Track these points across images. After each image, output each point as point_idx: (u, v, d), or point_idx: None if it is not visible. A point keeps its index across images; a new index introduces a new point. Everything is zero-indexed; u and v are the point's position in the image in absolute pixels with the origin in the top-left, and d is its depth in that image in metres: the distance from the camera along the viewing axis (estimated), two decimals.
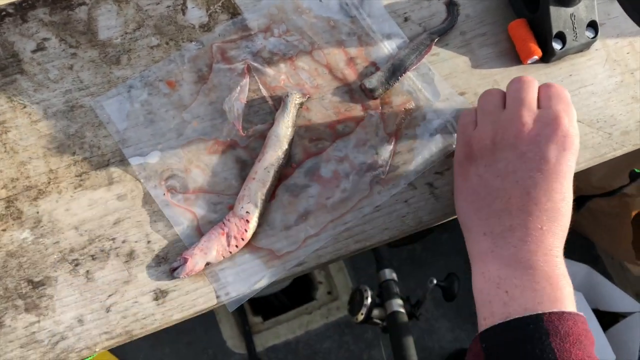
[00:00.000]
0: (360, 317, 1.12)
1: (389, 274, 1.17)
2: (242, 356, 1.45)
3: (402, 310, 1.09)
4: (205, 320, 1.47)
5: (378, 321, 1.13)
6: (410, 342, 1.03)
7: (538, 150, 0.45)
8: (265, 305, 1.51)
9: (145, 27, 0.56)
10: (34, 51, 0.53)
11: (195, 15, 0.57)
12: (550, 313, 0.40)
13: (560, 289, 0.42)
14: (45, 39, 0.54)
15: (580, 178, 1.25)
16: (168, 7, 0.57)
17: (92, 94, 0.53)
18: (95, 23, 0.55)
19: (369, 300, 1.12)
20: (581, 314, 0.42)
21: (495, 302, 0.43)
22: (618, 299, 1.45)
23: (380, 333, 1.18)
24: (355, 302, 1.15)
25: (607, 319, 1.47)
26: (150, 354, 1.45)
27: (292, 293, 1.53)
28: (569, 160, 0.45)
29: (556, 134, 0.45)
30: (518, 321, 0.41)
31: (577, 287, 1.44)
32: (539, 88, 0.49)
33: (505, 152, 0.46)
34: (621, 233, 1.17)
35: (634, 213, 1.11)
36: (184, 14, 0.57)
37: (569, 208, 0.45)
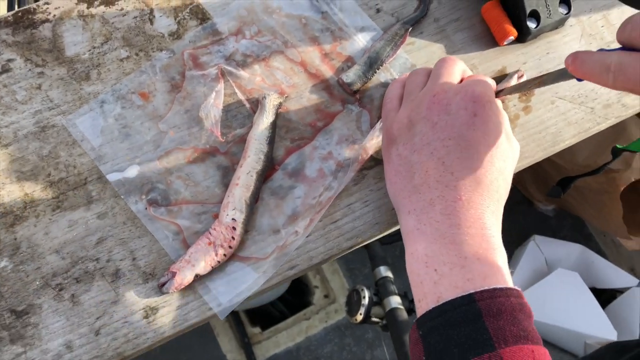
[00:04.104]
0: (359, 317, 1.10)
1: (385, 271, 1.16)
2: None
3: (401, 306, 1.08)
4: (203, 336, 1.44)
5: (377, 320, 1.12)
6: None
7: (449, 118, 0.44)
8: (263, 315, 1.49)
9: (113, 40, 0.54)
10: None
11: (164, 23, 0.55)
12: (482, 291, 0.39)
13: (490, 263, 0.41)
14: (9, 60, 0.52)
15: (566, 158, 1.25)
16: (135, 17, 0.55)
17: (63, 112, 0.52)
18: (60, 40, 0.54)
19: (367, 299, 1.11)
20: (515, 287, 0.41)
21: (426, 282, 0.42)
22: (614, 276, 1.46)
23: (380, 332, 1.16)
24: (352, 303, 1.14)
25: (605, 297, 1.48)
26: None
27: (289, 300, 1.52)
28: (482, 126, 0.44)
29: (465, 100, 0.44)
30: (450, 304, 0.39)
31: (572, 267, 1.45)
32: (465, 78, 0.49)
33: (419, 126, 0.45)
34: (611, 209, 1.18)
35: (622, 188, 1.11)
36: (152, 23, 0.55)
37: (493, 176, 0.44)
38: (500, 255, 0.42)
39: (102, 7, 0.55)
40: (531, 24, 0.57)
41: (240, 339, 1.42)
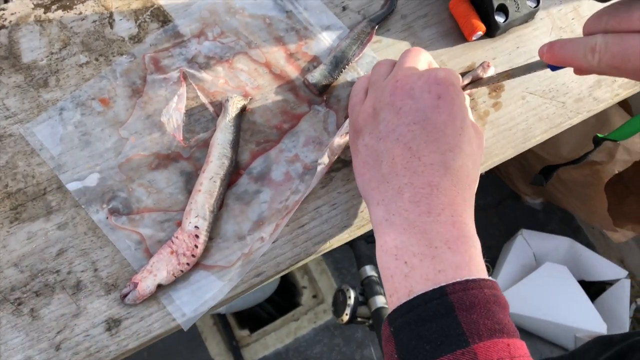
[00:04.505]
0: (345, 317, 1.09)
1: (370, 270, 1.15)
2: None
3: (387, 306, 1.07)
4: (191, 339, 1.43)
5: (364, 320, 1.11)
6: None
7: (412, 102, 0.43)
8: (251, 317, 1.48)
9: (72, 45, 0.53)
10: None
11: (124, 27, 0.54)
12: (453, 284, 0.37)
13: (462, 252, 0.39)
14: None
15: (550, 151, 1.25)
16: (94, 22, 0.54)
17: (20, 121, 0.50)
18: (17, 46, 0.52)
19: (352, 300, 1.10)
20: (489, 278, 0.39)
21: (396, 275, 0.40)
22: (603, 268, 1.45)
23: (368, 332, 1.16)
24: (338, 304, 1.13)
25: (594, 289, 1.47)
26: None
27: (277, 301, 1.51)
28: (448, 108, 0.42)
29: (428, 83, 0.43)
30: (421, 298, 0.38)
31: (561, 261, 1.44)
32: None
33: (383, 113, 0.44)
34: (596, 201, 1.17)
35: (605, 180, 1.11)
36: (111, 27, 0.54)
37: (462, 161, 0.42)
38: (472, 243, 0.40)
39: (59, 12, 0.54)
40: (499, 19, 0.56)
41: (229, 342, 1.40)
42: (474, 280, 0.38)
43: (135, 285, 0.45)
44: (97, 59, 0.53)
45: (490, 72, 0.53)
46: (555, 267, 1.37)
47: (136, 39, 0.54)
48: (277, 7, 0.56)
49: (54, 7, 0.54)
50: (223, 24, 0.55)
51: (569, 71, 0.56)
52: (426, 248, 0.39)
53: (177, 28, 0.54)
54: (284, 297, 1.53)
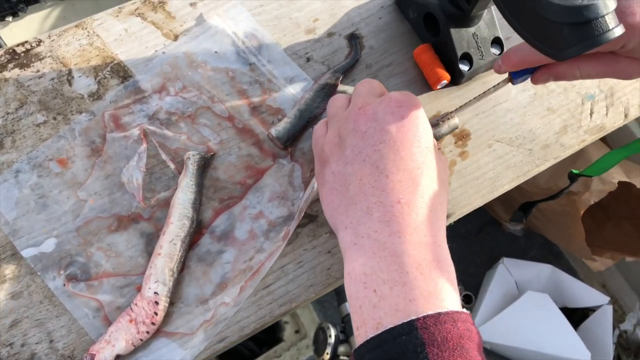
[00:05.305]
0: (327, 357, 1.08)
1: None
2: None
3: None
4: None
5: (345, 358, 1.09)
6: None
7: (377, 124, 0.42)
8: (232, 355, 1.45)
9: (29, 104, 0.52)
10: None
11: (83, 84, 0.53)
12: (424, 317, 0.35)
13: (435, 278, 0.37)
14: None
15: (528, 181, 1.25)
16: (52, 79, 0.53)
17: None
18: None
19: (333, 338, 1.08)
20: (462, 310, 0.37)
21: (365, 305, 0.38)
22: (585, 294, 1.45)
23: None
24: (319, 342, 1.11)
25: (578, 315, 1.47)
26: None
27: (259, 337, 1.48)
28: (412, 128, 0.42)
29: (390, 106, 0.43)
30: (390, 333, 0.35)
31: (543, 288, 1.44)
32: None
33: (349, 139, 0.43)
34: (574, 231, 1.17)
35: (582, 211, 1.11)
36: (70, 84, 0.53)
37: (431, 178, 0.41)
38: (446, 268, 0.39)
39: (16, 70, 0.52)
40: (464, 67, 0.56)
41: None
42: (446, 313, 0.36)
43: (93, 356, 0.44)
44: (55, 118, 0.51)
45: (454, 122, 0.53)
46: (537, 296, 1.36)
47: (96, 96, 0.53)
48: (240, 59, 0.56)
49: (10, 65, 0.53)
50: (185, 78, 0.54)
51: (535, 117, 0.56)
52: (397, 274, 0.37)
53: (138, 83, 0.53)
54: (266, 332, 1.50)
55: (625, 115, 0.59)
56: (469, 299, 1.49)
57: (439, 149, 0.55)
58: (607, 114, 0.59)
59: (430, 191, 0.41)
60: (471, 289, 1.52)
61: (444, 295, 0.37)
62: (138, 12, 0.56)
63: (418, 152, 0.41)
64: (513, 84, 0.49)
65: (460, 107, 0.54)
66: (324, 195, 0.45)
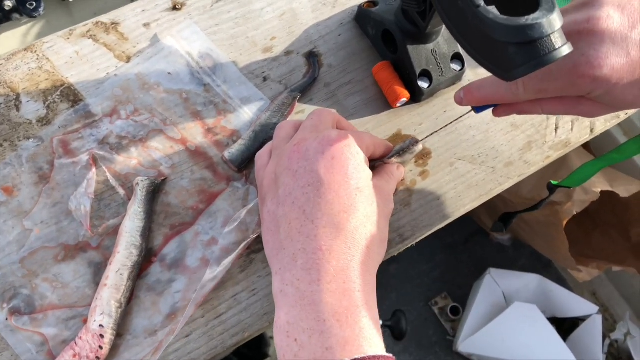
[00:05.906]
0: None
1: None
2: None
3: None
4: None
5: None
6: None
7: (307, 164, 0.41)
8: None
9: None
10: None
11: (32, 109, 0.52)
12: None
13: (352, 325, 0.37)
14: None
15: (511, 191, 1.23)
16: None
17: None
18: None
19: None
20: (384, 354, 0.36)
21: (287, 355, 0.37)
22: (574, 304, 1.43)
23: None
24: None
25: (566, 326, 1.45)
26: None
27: (244, 353, 1.46)
28: (342, 169, 0.41)
29: (322, 145, 0.41)
30: None
31: (531, 299, 1.42)
32: None
33: (282, 177, 0.42)
34: (558, 241, 1.16)
35: (565, 221, 1.10)
36: (18, 110, 0.51)
37: (359, 222, 0.40)
38: (365, 313, 0.38)
39: None
40: (423, 84, 0.54)
41: None
42: (363, 359, 0.35)
43: None
44: (1, 145, 0.50)
45: (419, 148, 0.51)
46: (524, 307, 1.34)
47: (45, 121, 0.51)
48: (194, 80, 0.54)
49: None
50: (137, 101, 0.53)
51: (499, 134, 0.55)
52: (315, 322, 0.37)
53: (89, 107, 0.52)
54: (251, 347, 1.48)
55: (591, 130, 0.58)
56: (457, 311, 1.48)
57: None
58: (572, 129, 0.57)
59: (356, 235, 0.40)
60: (459, 300, 1.50)
61: (361, 341, 0.36)
62: (90, 34, 0.55)
63: (346, 194, 0.40)
64: (475, 113, 0.48)
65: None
66: (263, 233, 0.44)
